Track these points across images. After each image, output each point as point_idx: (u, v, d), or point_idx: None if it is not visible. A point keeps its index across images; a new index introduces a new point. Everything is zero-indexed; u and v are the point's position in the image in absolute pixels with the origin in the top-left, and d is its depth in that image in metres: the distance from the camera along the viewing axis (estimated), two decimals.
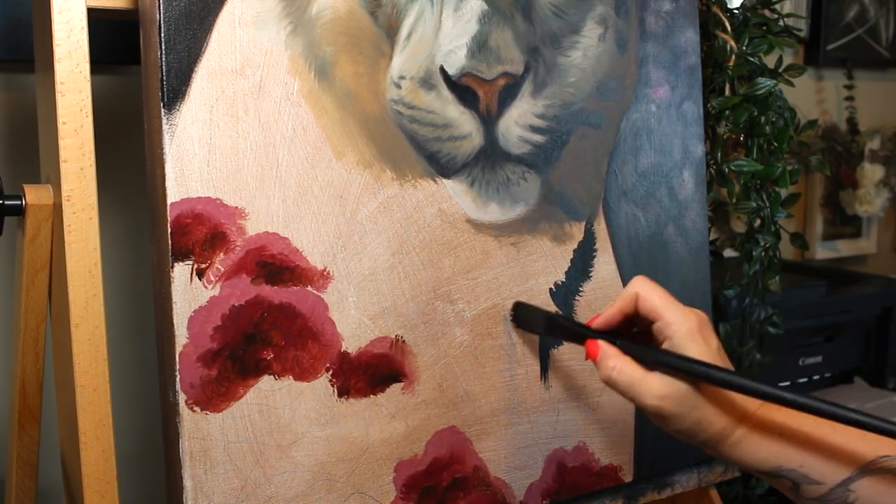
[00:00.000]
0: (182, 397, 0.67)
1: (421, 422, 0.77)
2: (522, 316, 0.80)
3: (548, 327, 0.79)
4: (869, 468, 0.63)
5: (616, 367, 0.66)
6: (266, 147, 0.69)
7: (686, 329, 0.66)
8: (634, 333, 0.71)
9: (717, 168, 1.01)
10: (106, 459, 0.68)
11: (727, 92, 1.00)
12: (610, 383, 0.67)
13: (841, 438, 0.64)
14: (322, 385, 0.72)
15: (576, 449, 0.85)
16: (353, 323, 0.73)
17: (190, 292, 0.67)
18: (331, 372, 0.72)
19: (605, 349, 0.68)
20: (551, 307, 0.83)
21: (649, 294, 0.68)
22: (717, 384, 0.64)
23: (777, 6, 1.05)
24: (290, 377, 0.71)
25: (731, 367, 0.67)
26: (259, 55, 0.69)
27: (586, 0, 0.83)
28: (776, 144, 1.01)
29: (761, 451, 0.66)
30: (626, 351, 0.68)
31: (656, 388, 0.65)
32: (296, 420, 0.71)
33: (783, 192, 1.03)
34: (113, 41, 0.84)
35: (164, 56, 0.66)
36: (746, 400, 0.67)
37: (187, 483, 0.67)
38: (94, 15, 0.67)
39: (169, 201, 0.66)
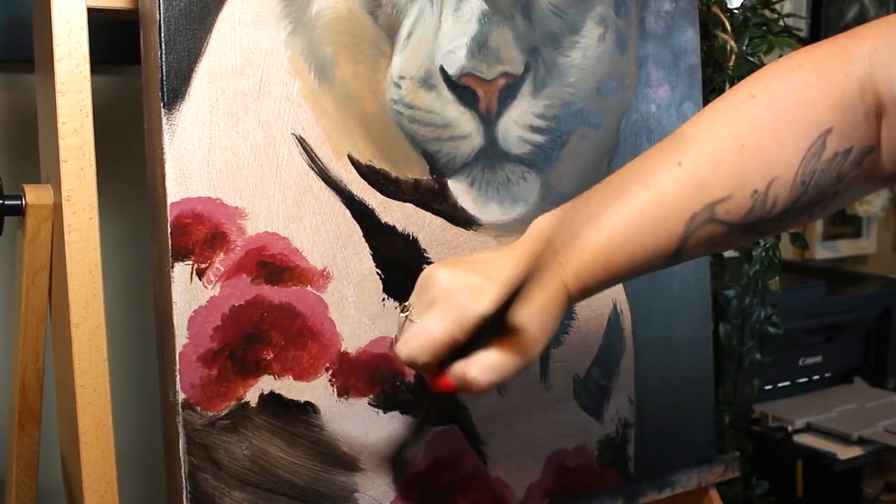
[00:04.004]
0: (182, 397, 0.67)
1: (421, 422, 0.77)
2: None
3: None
4: (686, 235, 0.60)
5: (476, 370, 0.58)
6: (266, 147, 0.69)
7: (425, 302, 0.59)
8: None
9: None
10: (106, 459, 0.68)
11: None
12: (493, 385, 0.59)
13: (651, 232, 0.60)
14: (322, 385, 0.72)
15: (576, 449, 0.85)
16: (353, 323, 0.73)
17: (190, 292, 0.67)
18: (330, 372, 0.72)
19: (454, 373, 0.59)
20: None
21: (450, 333, 0.58)
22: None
23: (777, 6, 1.05)
24: (290, 377, 0.71)
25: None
26: (259, 55, 0.69)
27: (586, 0, 0.83)
28: None
29: (598, 290, 0.62)
30: (447, 363, 0.60)
31: (492, 357, 0.58)
32: (296, 419, 0.71)
33: None
34: (113, 41, 0.84)
35: (164, 56, 0.66)
36: (562, 285, 0.61)
37: (187, 483, 0.67)
38: (94, 15, 0.67)
39: (169, 201, 0.66)
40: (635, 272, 0.62)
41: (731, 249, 1.08)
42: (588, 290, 0.62)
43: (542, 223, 0.63)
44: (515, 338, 0.58)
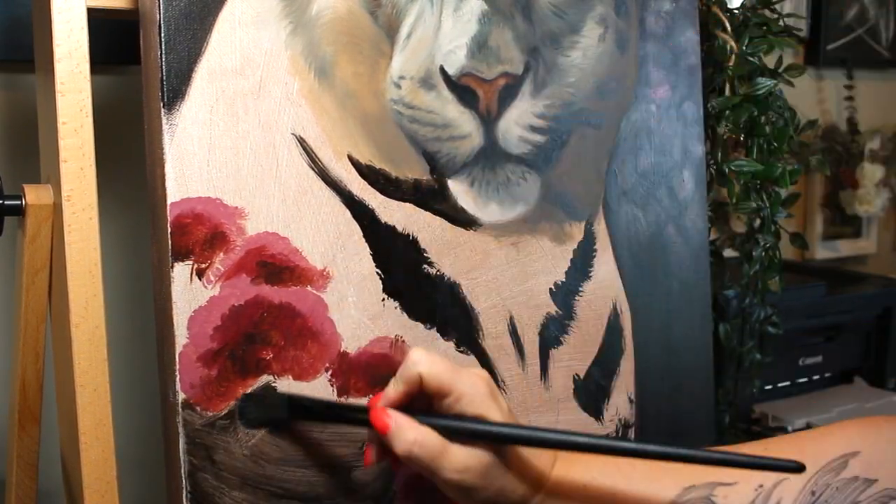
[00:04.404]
0: (182, 397, 0.67)
1: None
2: (251, 408, 0.68)
3: (291, 412, 0.68)
4: (677, 503, 0.60)
5: (417, 440, 0.60)
6: (266, 147, 0.69)
7: (480, 397, 0.61)
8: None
9: (717, 168, 1.01)
10: (106, 459, 0.68)
11: (727, 92, 1.00)
12: (410, 459, 0.61)
13: (644, 481, 0.60)
14: (321, 385, 0.72)
15: None
16: (353, 323, 0.73)
17: (190, 292, 0.67)
18: (330, 372, 0.72)
19: (399, 420, 0.61)
20: (551, 307, 0.83)
21: (434, 370, 0.61)
22: (530, 443, 0.60)
23: (777, 6, 1.05)
24: (290, 377, 0.71)
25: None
26: (259, 55, 0.69)
27: (586, 0, 0.83)
28: (776, 144, 1.01)
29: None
30: (424, 421, 0.61)
31: (460, 459, 0.60)
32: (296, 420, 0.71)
33: (783, 192, 1.03)
34: (113, 41, 0.84)
35: (164, 56, 0.66)
36: (542, 462, 0.62)
37: (187, 483, 0.67)
38: (94, 15, 0.67)
39: (169, 201, 0.66)
40: None
41: (729, 250, 1.08)
42: (556, 494, 0.62)
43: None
44: (472, 457, 0.60)
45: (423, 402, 0.64)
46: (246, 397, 0.68)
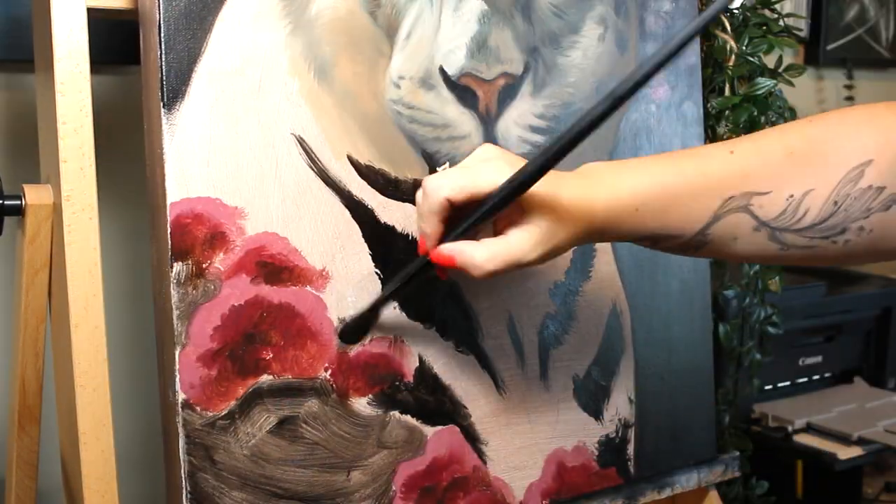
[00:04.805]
0: (182, 397, 0.67)
1: (421, 422, 0.77)
2: (351, 329, 0.73)
3: (374, 309, 0.72)
4: (719, 214, 0.63)
5: (485, 257, 0.61)
6: (265, 147, 0.69)
7: (499, 174, 0.61)
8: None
9: None
10: (106, 459, 0.68)
11: (727, 92, 1.00)
12: (492, 275, 0.62)
13: (687, 197, 0.63)
14: (321, 385, 0.72)
15: (575, 449, 0.85)
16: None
17: (190, 292, 0.67)
18: (329, 371, 0.72)
19: (456, 250, 0.62)
20: (551, 307, 0.83)
21: (456, 187, 0.61)
22: (554, 158, 0.57)
23: (777, 6, 1.05)
24: (290, 377, 0.71)
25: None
26: (259, 55, 0.69)
27: (586, 0, 0.83)
28: None
29: (621, 233, 0.65)
30: (463, 235, 0.62)
31: (522, 240, 0.61)
32: (295, 419, 0.71)
33: None
34: (113, 41, 0.84)
35: (164, 56, 0.66)
36: (590, 205, 0.63)
37: (187, 483, 0.67)
38: (94, 15, 0.67)
39: (169, 201, 0.66)
40: (660, 234, 0.64)
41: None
42: (607, 231, 0.64)
43: (591, 163, 0.66)
44: (526, 233, 0.61)
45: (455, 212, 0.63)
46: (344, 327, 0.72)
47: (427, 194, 0.62)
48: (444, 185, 0.61)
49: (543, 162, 0.57)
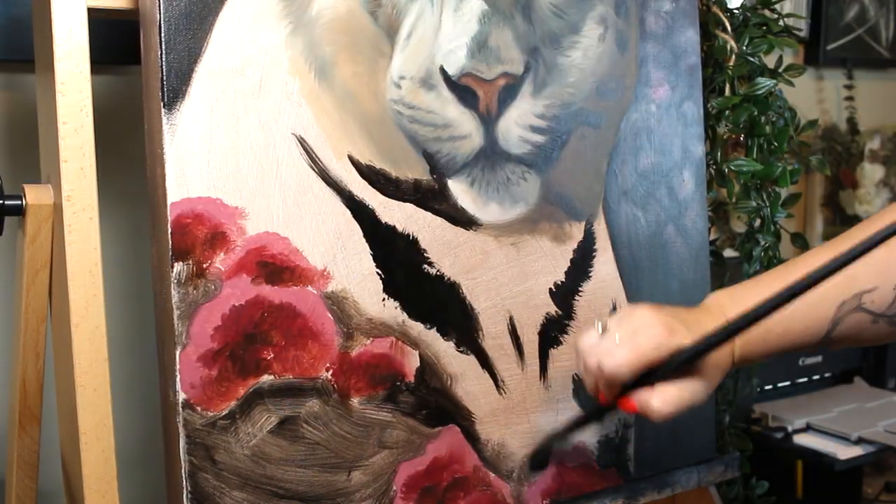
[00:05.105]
0: (182, 397, 0.67)
1: (421, 422, 0.77)
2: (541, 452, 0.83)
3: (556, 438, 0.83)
4: (837, 319, 0.69)
5: (662, 402, 0.67)
6: (266, 147, 0.69)
7: (667, 345, 0.67)
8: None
9: (717, 168, 1.01)
10: (106, 459, 0.68)
11: (727, 92, 1.00)
12: (671, 416, 0.69)
13: (806, 308, 0.68)
14: (322, 385, 0.72)
15: (576, 449, 0.85)
16: (353, 323, 0.73)
17: (190, 292, 0.67)
18: (331, 372, 0.72)
19: (639, 399, 0.68)
20: (551, 307, 0.83)
21: (632, 370, 0.68)
22: (719, 342, 0.67)
23: (777, 6, 1.05)
24: (290, 377, 0.71)
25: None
26: (259, 55, 0.69)
27: (586, 0, 0.83)
28: (776, 144, 1.01)
29: (754, 361, 0.72)
30: (642, 381, 0.68)
31: (693, 386, 0.68)
32: (296, 419, 0.71)
33: (783, 192, 1.03)
34: (113, 41, 0.84)
35: (164, 56, 0.66)
36: (732, 348, 0.70)
37: (188, 483, 0.67)
38: (94, 15, 0.67)
39: (169, 201, 0.66)
40: (789, 349, 0.72)
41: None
42: (749, 359, 0.71)
43: (722, 299, 0.72)
44: (692, 383, 0.68)
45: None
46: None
47: (606, 376, 0.68)
48: (623, 369, 0.67)
49: (731, 331, 0.66)
